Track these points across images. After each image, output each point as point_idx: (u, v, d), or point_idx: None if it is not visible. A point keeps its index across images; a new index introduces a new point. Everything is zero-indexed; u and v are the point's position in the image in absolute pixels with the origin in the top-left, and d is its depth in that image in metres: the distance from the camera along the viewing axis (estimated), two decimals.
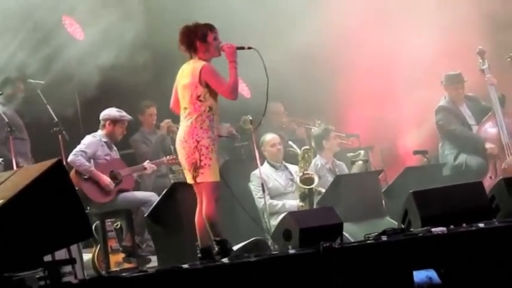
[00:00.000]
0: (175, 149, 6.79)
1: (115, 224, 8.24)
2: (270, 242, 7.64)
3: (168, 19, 9.19)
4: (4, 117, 8.32)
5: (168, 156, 8.79)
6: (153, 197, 8.09)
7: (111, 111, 8.34)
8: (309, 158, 8.90)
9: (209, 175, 6.34)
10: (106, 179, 8.04)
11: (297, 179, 8.74)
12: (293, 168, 8.96)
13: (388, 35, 10.21)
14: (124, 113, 8.37)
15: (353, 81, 10.28)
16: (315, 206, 8.52)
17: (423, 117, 9.98)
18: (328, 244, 5.80)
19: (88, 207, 7.87)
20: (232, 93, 6.39)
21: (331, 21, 9.97)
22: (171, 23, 7.33)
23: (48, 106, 8.60)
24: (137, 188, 8.81)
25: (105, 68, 9.49)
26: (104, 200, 8.06)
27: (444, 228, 6.10)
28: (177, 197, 7.67)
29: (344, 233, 6.70)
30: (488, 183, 8.54)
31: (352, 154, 9.56)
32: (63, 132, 8.36)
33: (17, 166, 7.96)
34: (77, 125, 9.60)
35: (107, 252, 7.97)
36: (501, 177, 7.45)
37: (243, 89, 10.35)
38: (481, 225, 6.21)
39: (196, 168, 6.33)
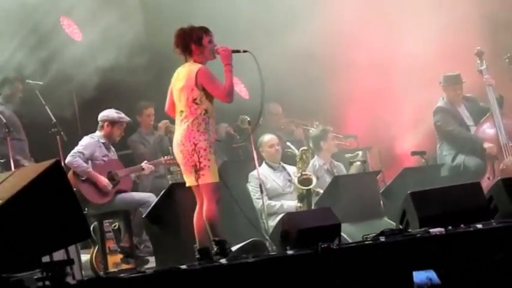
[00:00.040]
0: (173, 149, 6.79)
1: (113, 225, 8.22)
2: (268, 243, 7.65)
3: (167, 20, 9.18)
4: (2, 117, 8.31)
5: (166, 157, 8.78)
6: (151, 198, 8.09)
7: (109, 113, 8.33)
8: (307, 159, 8.89)
9: (209, 176, 6.35)
10: (104, 180, 8.04)
11: (295, 180, 8.73)
12: (291, 169, 8.95)
13: (386, 36, 10.22)
14: (122, 115, 8.36)
15: (351, 82, 10.27)
16: (313, 207, 8.51)
17: (421, 118, 9.96)
18: (326, 245, 5.82)
19: (86, 208, 7.86)
20: (228, 97, 6.40)
21: (330, 21, 9.97)
22: (170, 23, 7.31)
23: (46, 107, 8.59)
24: (135, 188, 8.80)
25: (103, 68, 9.47)
26: (101, 201, 8.06)
27: (442, 229, 6.11)
28: (175, 198, 7.65)
29: (342, 233, 6.70)
30: (486, 183, 8.55)
31: (350, 155, 9.56)
32: (61, 133, 8.35)
33: (17, 165, 7.96)
34: (75, 126, 9.57)
35: (105, 253, 7.94)
36: (499, 178, 7.43)
37: (241, 90, 10.36)
38: (479, 225, 6.22)
39: (196, 170, 6.34)
